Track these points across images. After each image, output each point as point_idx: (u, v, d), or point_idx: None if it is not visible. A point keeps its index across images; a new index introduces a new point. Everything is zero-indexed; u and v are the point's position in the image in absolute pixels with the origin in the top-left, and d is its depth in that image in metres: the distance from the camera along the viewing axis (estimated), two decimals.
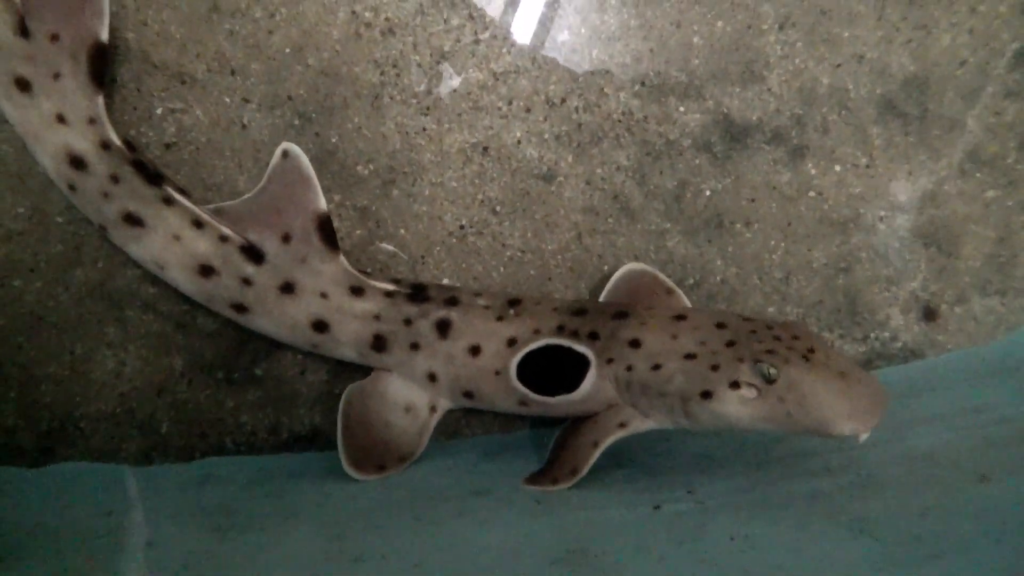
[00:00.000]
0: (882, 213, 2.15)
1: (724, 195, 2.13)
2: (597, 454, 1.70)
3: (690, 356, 1.64)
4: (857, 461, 1.73)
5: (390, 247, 2.01)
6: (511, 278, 2.08)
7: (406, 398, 1.84)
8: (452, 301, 1.80)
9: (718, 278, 2.16)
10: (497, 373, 1.77)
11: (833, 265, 2.18)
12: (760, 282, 2.17)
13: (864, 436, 1.51)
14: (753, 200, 2.14)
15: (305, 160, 1.69)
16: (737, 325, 1.67)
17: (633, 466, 1.86)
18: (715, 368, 1.60)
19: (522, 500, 1.68)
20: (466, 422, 2.11)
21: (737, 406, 1.58)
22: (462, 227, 2.05)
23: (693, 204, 2.12)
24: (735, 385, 1.58)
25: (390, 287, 1.79)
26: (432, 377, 1.81)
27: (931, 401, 1.94)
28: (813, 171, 2.13)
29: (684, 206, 2.12)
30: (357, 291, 1.76)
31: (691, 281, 2.14)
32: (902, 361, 2.16)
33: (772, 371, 1.55)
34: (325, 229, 1.71)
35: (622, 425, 1.72)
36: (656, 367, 1.66)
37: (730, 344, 1.62)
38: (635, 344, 1.70)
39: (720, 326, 1.67)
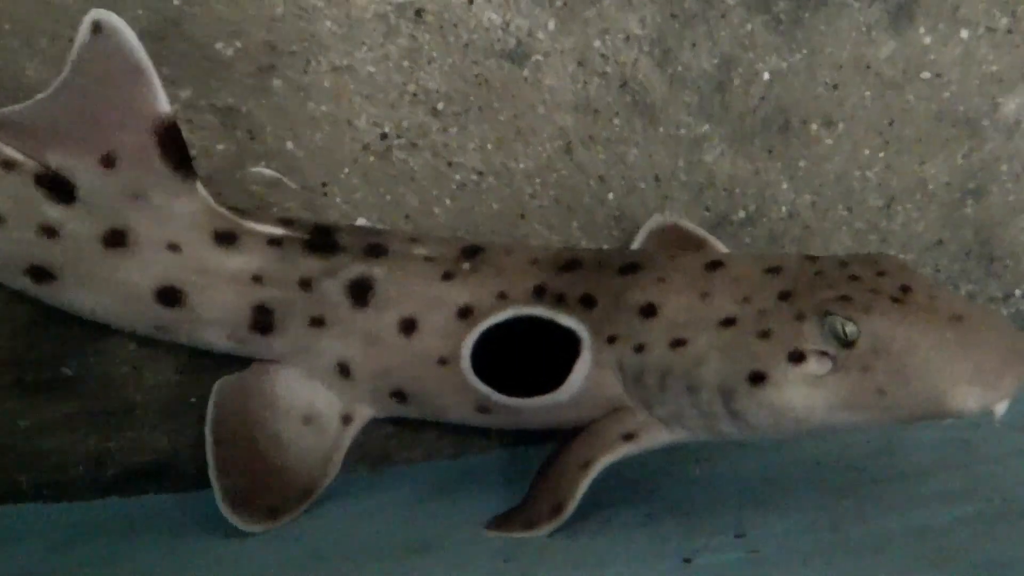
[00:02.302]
0: None
1: (791, 80, 2.12)
2: (588, 480, 1.71)
3: (728, 322, 1.65)
4: (990, 481, 1.74)
5: (271, 171, 2.00)
6: (464, 217, 2.09)
7: (305, 402, 1.86)
8: (374, 250, 1.81)
9: (783, 209, 2.17)
10: (443, 362, 1.78)
11: (958, 186, 2.19)
12: (848, 213, 2.18)
13: (1001, 408, 1.50)
14: (836, 87, 2.13)
15: (131, 36, 1.66)
16: (796, 267, 1.69)
17: (653, 499, 1.86)
18: (765, 335, 1.60)
19: (484, 557, 1.68)
20: (399, 441, 2.12)
21: (804, 390, 1.58)
22: (384, 136, 2.04)
23: (744, 95, 2.12)
24: (797, 357, 1.58)
25: (278, 231, 1.80)
26: (344, 369, 1.83)
27: None
28: (927, 40, 2.13)
29: (730, 98, 2.12)
30: (226, 239, 1.77)
31: (741, 214, 2.16)
32: None
33: (849, 327, 1.54)
34: (170, 144, 1.70)
35: (629, 437, 1.73)
36: (678, 343, 1.67)
37: (785, 296, 1.63)
38: (648, 311, 1.71)
39: (771, 271, 1.69)
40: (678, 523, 1.76)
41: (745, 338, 1.62)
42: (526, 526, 1.74)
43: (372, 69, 2.01)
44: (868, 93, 2.14)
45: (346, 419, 1.87)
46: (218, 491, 1.80)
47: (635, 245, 2.07)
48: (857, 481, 1.84)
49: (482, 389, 1.77)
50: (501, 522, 1.78)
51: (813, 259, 1.71)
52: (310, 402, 1.86)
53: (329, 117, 2.01)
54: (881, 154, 2.17)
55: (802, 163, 2.16)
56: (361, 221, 2.04)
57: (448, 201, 2.08)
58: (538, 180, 2.10)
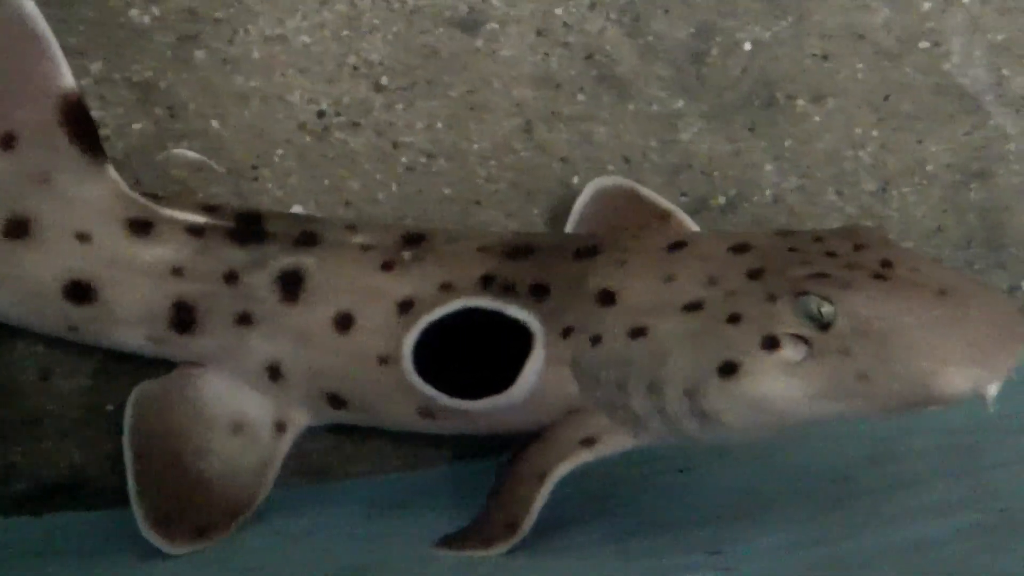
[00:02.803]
0: None
1: (776, 50, 2.11)
2: (544, 491, 1.70)
3: (693, 306, 1.65)
4: (992, 489, 1.74)
5: (195, 153, 1.99)
6: (411, 203, 2.07)
7: (233, 409, 1.85)
8: (307, 239, 1.82)
9: (767, 193, 2.16)
10: (382, 361, 1.77)
11: (961, 167, 2.17)
12: (839, 198, 2.17)
13: (993, 390, 1.49)
14: (825, 58, 2.11)
15: (27, 1, 1.67)
16: (766, 243, 1.71)
17: (621, 513, 1.86)
18: (735, 320, 1.61)
19: None
20: (341, 452, 2.09)
21: (781, 380, 1.58)
22: (321, 114, 2.03)
23: (723, 67, 2.11)
24: (771, 343, 1.58)
25: (199, 219, 1.80)
26: (275, 371, 1.82)
27: None
28: (926, 5, 2.11)
29: (708, 70, 2.11)
30: (141, 227, 1.76)
31: (721, 199, 2.15)
32: None
33: (825, 307, 1.54)
34: (76, 122, 1.70)
35: (587, 443, 1.72)
36: (638, 333, 1.66)
37: (755, 275, 1.64)
38: (606, 299, 1.71)
39: (739, 249, 1.70)
40: (648, 540, 1.74)
41: (713, 324, 1.63)
42: (480, 544, 1.72)
43: (307, 39, 2.01)
44: (861, 65, 2.13)
45: (279, 427, 1.86)
46: (138, 509, 1.78)
47: (574, 215, 2.05)
48: (848, 492, 1.83)
49: (426, 391, 1.76)
50: (453, 541, 1.76)
51: (785, 234, 1.73)
52: (239, 409, 1.85)
53: (259, 93, 2.01)
54: (875, 132, 2.16)
55: (788, 142, 2.15)
56: (297, 208, 2.03)
57: (394, 186, 2.06)
58: (494, 162, 2.09)
